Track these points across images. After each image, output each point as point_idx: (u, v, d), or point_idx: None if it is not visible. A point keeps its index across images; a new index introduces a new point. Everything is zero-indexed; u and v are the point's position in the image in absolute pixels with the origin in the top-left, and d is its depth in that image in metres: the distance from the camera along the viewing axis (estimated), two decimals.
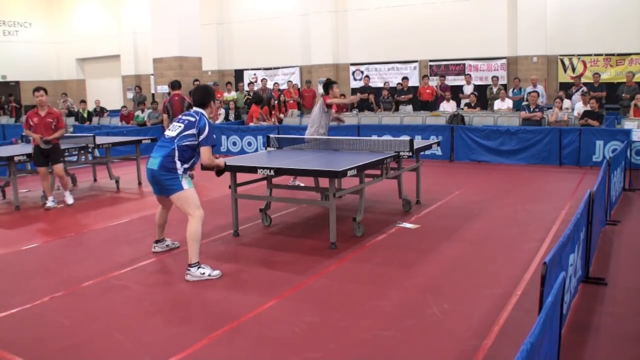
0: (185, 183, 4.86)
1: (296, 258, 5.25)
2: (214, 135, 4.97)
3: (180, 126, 4.91)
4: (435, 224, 6.40)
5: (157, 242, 5.62)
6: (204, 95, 5.10)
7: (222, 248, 5.70)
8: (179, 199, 4.86)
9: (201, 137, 4.84)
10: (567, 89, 13.97)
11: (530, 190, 8.44)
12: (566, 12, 15.32)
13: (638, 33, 14.52)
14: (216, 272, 4.83)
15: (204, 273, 4.78)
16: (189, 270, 4.78)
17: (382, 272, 4.86)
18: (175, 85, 10.10)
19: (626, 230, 5.98)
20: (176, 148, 4.82)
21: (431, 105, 14.37)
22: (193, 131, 4.83)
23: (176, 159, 4.82)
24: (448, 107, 13.77)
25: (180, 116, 5.11)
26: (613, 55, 14.83)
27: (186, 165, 4.89)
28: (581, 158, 10.21)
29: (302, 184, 7.96)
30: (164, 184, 4.86)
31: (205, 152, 4.87)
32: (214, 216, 6.94)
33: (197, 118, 4.92)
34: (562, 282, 2.69)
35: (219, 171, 5.27)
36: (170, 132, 4.93)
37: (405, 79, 15.49)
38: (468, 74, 15.74)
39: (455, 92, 14.93)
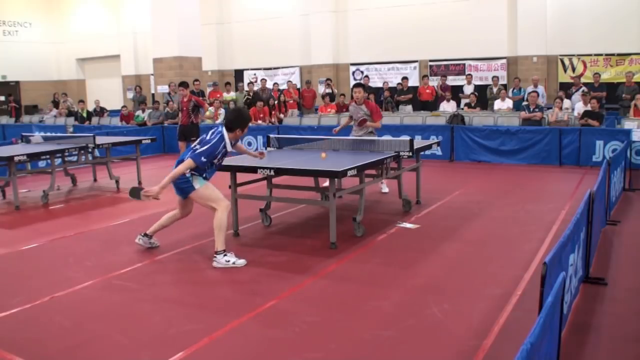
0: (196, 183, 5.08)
1: (296, 258, 5.25)
2: (203, 159, 4.99)
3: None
4: (435, 224, 6.40)
5: (146, 235, 5.63)
6: (234, 119, 5.17)
7: None
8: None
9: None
10: (567, 89, 13.97)
11: (530, 190, 8.44)
12: (566, 12, 15.33)
13: (638, 33, 14.53)
14: (241, 261, 5.03)
15: (228, 261, 5.00)
16: (215, 257, 5.02)
17: (382, 272, 4.86)
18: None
19: (626, 230, 5.98)
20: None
21: (431, 105, 14.37)
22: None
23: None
24: (448, 107, 13.77)
25: None
26: (613, 55, 14.84)
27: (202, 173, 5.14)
28: (581, 158, 10.21)
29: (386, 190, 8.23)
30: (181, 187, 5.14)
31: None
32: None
33: (211, 135, 5.10)
34: (562, 282, 2.69)
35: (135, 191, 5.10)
36: None
37: (405, 79, 15.50)
38: (469, 74, 15.75)
39: (455, 92, 14.94)
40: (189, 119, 10.58)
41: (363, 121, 7.80)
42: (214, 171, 5.33)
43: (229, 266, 4.97)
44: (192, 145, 5.19)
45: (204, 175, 5.15)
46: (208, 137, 5.10)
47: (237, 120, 5.14)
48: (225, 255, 5.04)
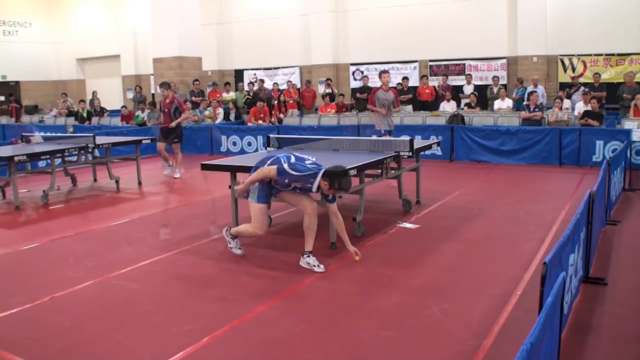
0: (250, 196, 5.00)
1: (296, 258, 5.24)
2: (285, 180, 4.78)
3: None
4: (435, 224, 6.40)
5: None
6: (333, 173, 4.69)
7: (222, 248, 5.69)
8: None
9: None
10: (566, 89, 13.96)
11: (530, 190, 8.44)
12: (566, 12, 15.32)
13: (638, 33, 14.52)
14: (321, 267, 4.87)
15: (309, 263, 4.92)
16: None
17: (382, 272, 4.86)
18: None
19: (626, 230, 5.98)
20: None
21: (431, 105, 14.37)
22: None
23: None
24: (448, 107, 13.77)
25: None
26: (613, 55, 14.83)
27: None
28: (581, 158, 10.21)
29: None
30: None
31: None
32: (214, 216, 6.94)
33: (310, 165, 4.81)
34: (562, 282, 2.69)
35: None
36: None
37: (405, 79, 15.49)
38: (469, 74, 15.74)
39: (456, 92, 14.94)
40: (170, 121, 10.13)
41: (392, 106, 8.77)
42: (277, 191, 5.04)
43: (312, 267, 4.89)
44: (280, 157, 4.85)
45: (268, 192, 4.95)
46: (306, 163, 4.77)
47: (333, 175, 4.66)
48: (309, 255, 4.95)
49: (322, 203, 6.66)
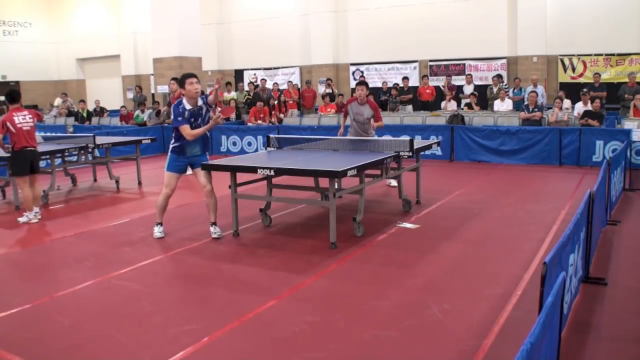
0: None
1: (296, 258, 5.25)
2: (179, 118, 5.74)
3: None
4: (435, 224, 6.40)
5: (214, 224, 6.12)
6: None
7: (222, 248, 5.70)
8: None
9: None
10: (566, 88, 13.95)
11: (530, 190, 8.44)
12: (566, 12, 15.34)
13: (638, 33, 14.54)
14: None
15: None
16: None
17: (382, 272, 4.86)
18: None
19: (626, 230, 5.97)
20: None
21: (431, 105, 14.37)
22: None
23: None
24: (452, 105, 13.80)
25: None
26: (613, 55, 14.84)
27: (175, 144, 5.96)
28: (581, 158, 10.21)
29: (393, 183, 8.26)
30: None
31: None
32: None
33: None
34: (562, 282, 2.69)
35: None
36: None
37: (405, 78, 15.49)
38: (469, 74, 15.74)
39: (456, 92, 14.93)
40: None
41: (368, 123, 7.64)
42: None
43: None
44: None
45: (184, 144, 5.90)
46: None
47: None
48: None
49: (321, 203, 6.67)
